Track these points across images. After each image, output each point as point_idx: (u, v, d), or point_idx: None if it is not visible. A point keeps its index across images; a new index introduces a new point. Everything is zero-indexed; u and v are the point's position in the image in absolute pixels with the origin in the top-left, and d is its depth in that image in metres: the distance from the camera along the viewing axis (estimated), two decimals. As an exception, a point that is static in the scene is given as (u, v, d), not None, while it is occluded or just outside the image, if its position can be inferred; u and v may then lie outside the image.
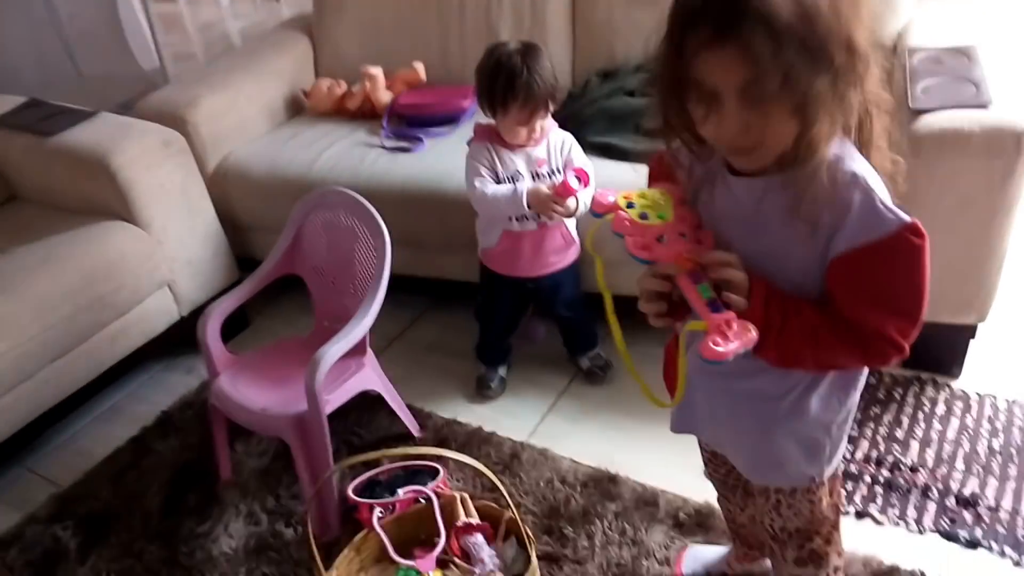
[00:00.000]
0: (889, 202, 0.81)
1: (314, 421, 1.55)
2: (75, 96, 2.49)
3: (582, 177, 1.63)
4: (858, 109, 0.81)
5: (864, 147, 0.85)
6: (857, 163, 0.83)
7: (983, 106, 1.52)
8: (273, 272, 1.78)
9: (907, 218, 0.80)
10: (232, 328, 2.25)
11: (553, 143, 1.75)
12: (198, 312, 1.79)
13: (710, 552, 1.47)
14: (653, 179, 1.01)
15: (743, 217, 0.88)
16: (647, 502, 1.60)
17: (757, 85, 0.74)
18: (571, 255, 1.83)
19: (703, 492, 1.59)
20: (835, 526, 1.11)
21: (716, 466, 1.22)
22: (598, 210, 0.91)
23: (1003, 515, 1.49)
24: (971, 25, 1.90)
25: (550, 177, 1.74)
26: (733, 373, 0.88)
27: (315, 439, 1.57)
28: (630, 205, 0.89)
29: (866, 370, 0.99)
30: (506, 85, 1.61)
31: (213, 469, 1.80)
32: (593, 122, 2.02)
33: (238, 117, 2.35)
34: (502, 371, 2.01)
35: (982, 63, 1.65)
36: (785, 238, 0.85)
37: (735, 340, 0.79)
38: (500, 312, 1.94)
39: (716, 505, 1.40)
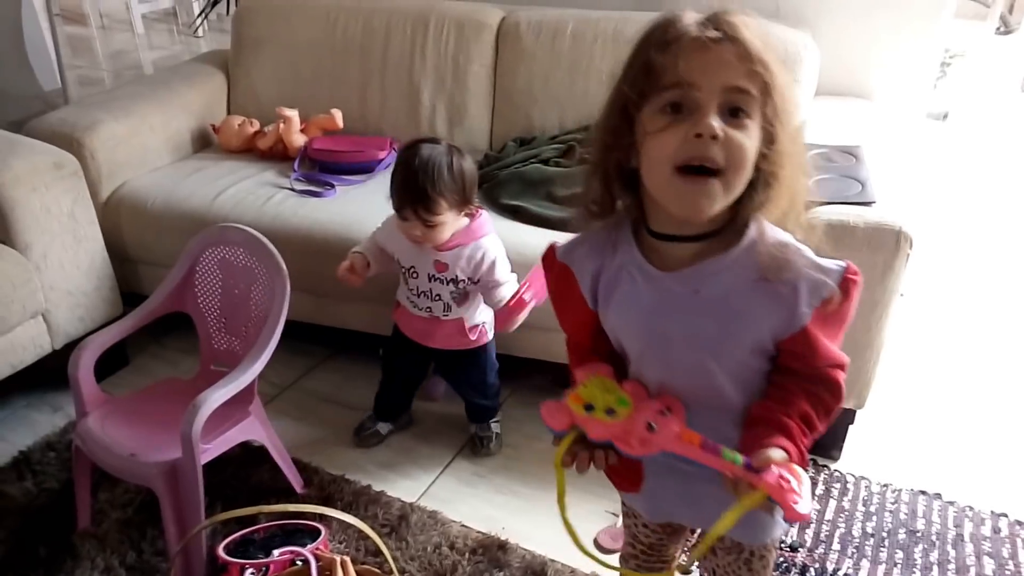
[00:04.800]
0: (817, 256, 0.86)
1: (187, 470, 1.45)
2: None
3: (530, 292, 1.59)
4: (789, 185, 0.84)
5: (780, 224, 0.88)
6: (777, 232, 0.86)
7: (867, 203, 1.62)
8: (160, 308, 1.68)
9: (843, 262, 0.85)
10: (110, 366, 2.12)
11: (467, 254, 1.64)
12: (73, 346, 1.67)
13: None
14: (554, 287, 0.99)
15: (679, 307, 0.87)
16: (535, 572, 1.56)
17: (740, 89, 0.77)
18: (474, 341, 1.78)
19: (591, 564, 1.57)
20: None
21: (649, 555, 1.19)
22: (556, 427, 0.84)
23: (874, 596, 1.53)
24: (858, 124, 2.06)
25: (448, 284, 1.67)
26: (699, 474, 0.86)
27: (187, 490, 1.47)
28: (588, 407, 0.84)
29: None
30: (395, 172, 1.60)
31: (71, 518, 1.65)
32: (506, 185, 2.05)
33: (139, 146, 2.26)
34: (384, 427, 1.94)
35: (867, 163, 1.78)
36: (732, 319, 0.86)
37: (802, 490, 0.76)
38: (400, 368, 1.89)
39: (603, 577, 1.38)
